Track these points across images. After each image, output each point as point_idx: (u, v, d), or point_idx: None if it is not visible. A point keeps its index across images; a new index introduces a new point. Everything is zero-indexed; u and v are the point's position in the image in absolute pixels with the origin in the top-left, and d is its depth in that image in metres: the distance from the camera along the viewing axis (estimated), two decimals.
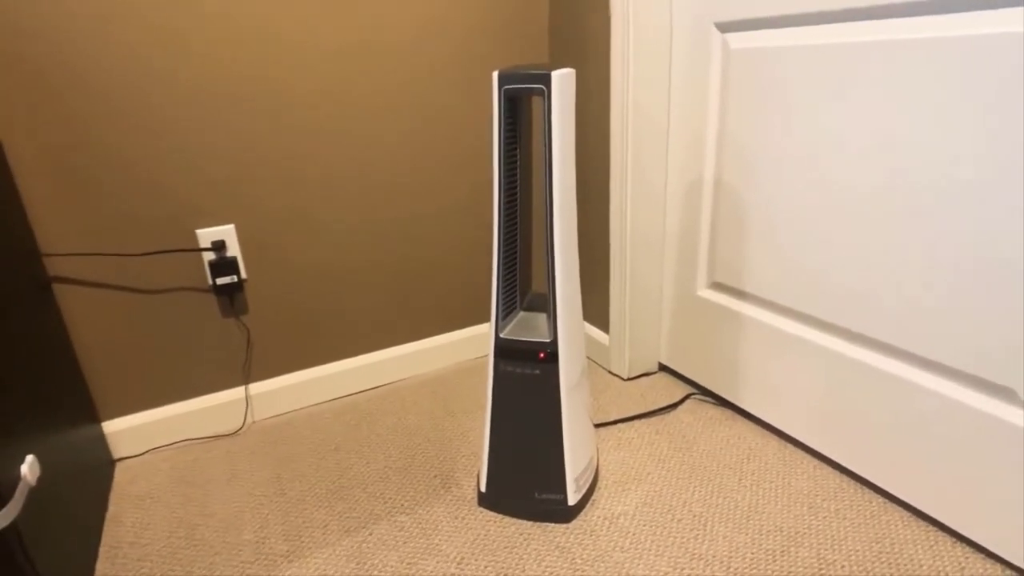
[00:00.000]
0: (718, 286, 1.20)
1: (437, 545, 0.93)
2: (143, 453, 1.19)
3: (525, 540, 0.93)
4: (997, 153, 0.74)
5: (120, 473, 1.14)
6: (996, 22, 0.71)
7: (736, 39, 1.03)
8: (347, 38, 1.16)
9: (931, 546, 0.88)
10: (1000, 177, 0.74)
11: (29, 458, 0.76)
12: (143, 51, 1.02)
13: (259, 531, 0.98)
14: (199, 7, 1.03)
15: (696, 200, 1.19)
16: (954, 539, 0.89)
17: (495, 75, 0.82)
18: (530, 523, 0.97)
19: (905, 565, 0.85)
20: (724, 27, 1.05)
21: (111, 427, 1.16)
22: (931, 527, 0.91)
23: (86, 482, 0.99)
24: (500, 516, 0.98)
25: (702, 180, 1.16)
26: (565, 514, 0.96)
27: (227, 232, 1.16)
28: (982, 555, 0.86)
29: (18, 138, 0.97)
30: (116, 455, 1.18)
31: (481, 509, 1.00)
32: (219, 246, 1.15)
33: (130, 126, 1.04)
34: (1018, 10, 0.69)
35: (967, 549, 0.87)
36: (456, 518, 0.98)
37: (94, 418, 1.12)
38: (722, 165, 1.12)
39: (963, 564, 0.85)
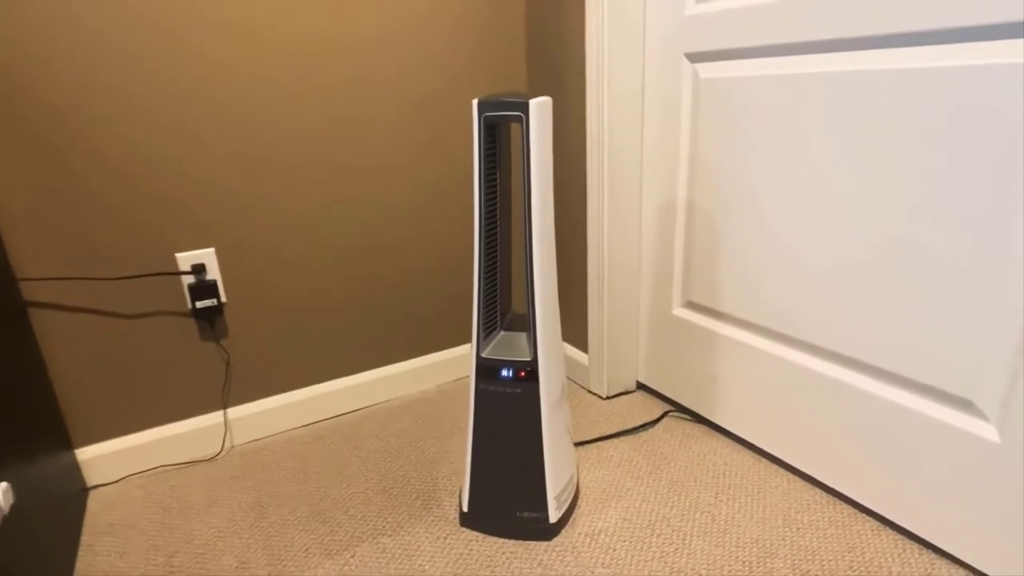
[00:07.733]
0: (693, 305, 1.24)
1: (420, 566, 0.93)
2: (117, 481, 1.17)
3: (507, 559, 0.94)
4: (958, 171, 0.79)
5: (93, 502, 1.12)
6: (954, 55, 0.77)
7: (705, 69, 1.08)
8: (336, 76, 1.19)
9: (899, 554, 0.91)
10: (960, 193, 0.79)
11: (3, 485, 0.75)
12: (116, 74, 1.03)
13: (240, 556, 0.96)
14: (171, 38, 1.05)
15: (670, 222, 1.23)
16: (921, 546, 0.92)
17: (475, 103, 0.84)
18: (512, 541, 0.98)
19: (875, 573, 0.88)
20: (694, 57, 1.10)
21: (84, 454, 1.14)
22: (899, 535, 0.95)
23: (58, 511, 0.97)
24: (482, 535, 0.99)
25: (676, 203, 1.21)
26: (547, 532, 0.97)
27: (207, 255, 1.16)
28: (947, 560, 0.89)
29: None
30: (89, 483, 1.15)
31: (463, 529, 1.01)
32: (199, 269, 1.15)
33: (108, 148, 1.05)
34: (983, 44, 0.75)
35: (933, 555, 0.90)
36: (438, 539, 0.99)
37: (67, 445, 1.10)
38: (694, 189, 1.16)
39: (929, 570, 0.88)
